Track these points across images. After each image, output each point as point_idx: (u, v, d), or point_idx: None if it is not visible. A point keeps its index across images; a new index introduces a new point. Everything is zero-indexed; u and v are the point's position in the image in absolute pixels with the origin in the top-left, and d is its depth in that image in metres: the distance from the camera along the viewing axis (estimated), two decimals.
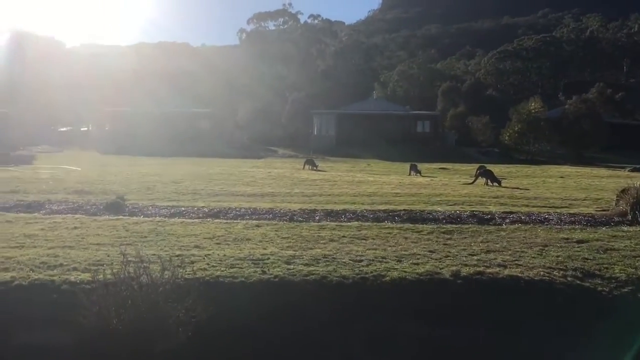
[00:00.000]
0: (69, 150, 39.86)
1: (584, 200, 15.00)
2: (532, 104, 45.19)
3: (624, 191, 12.05)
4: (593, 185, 21.12)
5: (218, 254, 7.32)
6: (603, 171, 32.33)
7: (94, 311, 5.26)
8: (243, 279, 6.31)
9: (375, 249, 7.85)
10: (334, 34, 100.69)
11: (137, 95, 54.66)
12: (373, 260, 7.12)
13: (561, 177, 26.39)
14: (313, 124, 56.31)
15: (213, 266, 6.70)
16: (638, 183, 11.43)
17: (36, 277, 6.32)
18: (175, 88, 57.67)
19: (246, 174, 21.65)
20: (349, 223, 10.17)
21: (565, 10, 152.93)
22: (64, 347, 5.57)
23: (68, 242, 8.04)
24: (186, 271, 6.05)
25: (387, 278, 6.41)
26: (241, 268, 6.66)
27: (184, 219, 10.32)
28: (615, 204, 12.15)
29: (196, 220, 10.24)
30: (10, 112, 39.75)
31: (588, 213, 11.62)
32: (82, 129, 55.45)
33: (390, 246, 8.11)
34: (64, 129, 55.14)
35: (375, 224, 10.16)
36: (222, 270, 6.53)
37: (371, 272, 6.57)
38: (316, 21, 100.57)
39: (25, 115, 43.07)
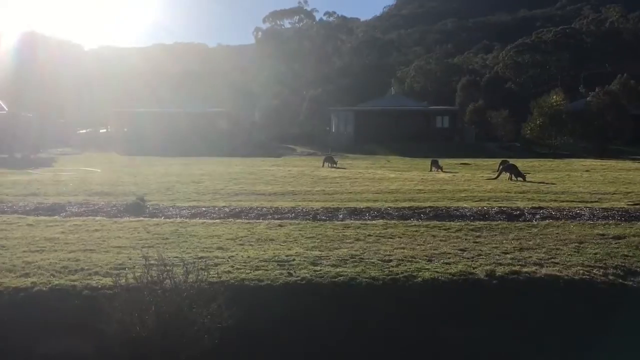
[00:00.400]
0: (88, 152, 40.01)
1: (614, 194, 14.54)
2: (554, 97, 44.35)
3: None
4: (620, 178, 20.56)
5: (242, 256, 7.11)
6: (629, 164, 31.58)
7: (116, 318, 5.07)
8: (269, 282, 6.08)
9: (404, 248, 7.58)
10: (349, 31, 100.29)
11: (155, 96, 54.85)
12: (402, 260, 6.85)
13: (586, 170, 25.77)
14: (331, 121, 55.99)
15: (238, 269, 6.48)
16: None
17: (57, 282, 6.16)
18: (192, 88, 57.85)
19: (266, 173, 21.45)
20: (373, 221, 9.91)
21: (583, 2, 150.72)
22: (85, 356, 5.39)
23: (89, 246, 7.88)
24: (210, 274, 5.83)
25: (419, 279, 6.14)
26: (266, 270, 6.43)
27: (205, 220, 10.14)
28: None
29: (217, 220, 10.05)
30: (30, 114, 40.05)
31: (621, 207, 11.20)
32: (101, 131, 55.81)
33: (418, 245, 7.83)
34: (84, 130, 55.51)
35: (400, 222, 9.89)
36: (247, 273, 6.30)
37: (402, 273, 6.30)
38: (332, 18, 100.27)
39: (45, 117, 43.39)
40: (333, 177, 19.95)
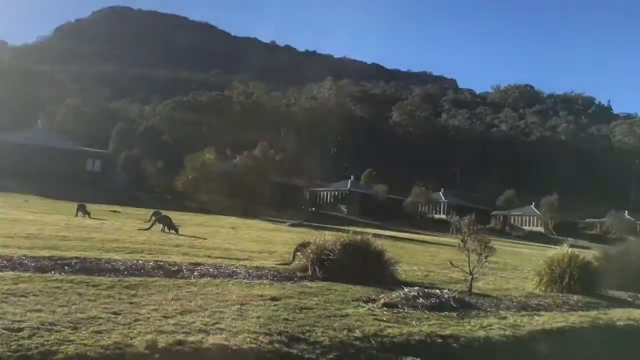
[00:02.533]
0: None
1: (261, 252, 15.20)
2: (207, 155, 46.35)
3: (303, 245, 12.27)
4: (263, 237, 21.98)
5: None
6: (267, 224, 34.54)
7: None
8: None
9: (41, 311, 6.00)
10: None
11: None
12: (38, 328, 5.31)
13: (232, 228, 27.06)
14: None
15: None
16: (318, 239, 11.72)
17: None
18: None
19: None
20: (1, 273, 7.91)
21: (235, 74, 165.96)
22: None
23: None
24: None
25: (61, 355, 4.75)
26: None
27: None
28: (293, 258, 12.31)
29: None
30: None
31: (272, 267, 11.51)
32: None
33: (61, 306, 6.34)
34: None
35: (38, 275, 8.11)
36: None
37: (36, 348, 4.79)
38: None
39: None
40: None
